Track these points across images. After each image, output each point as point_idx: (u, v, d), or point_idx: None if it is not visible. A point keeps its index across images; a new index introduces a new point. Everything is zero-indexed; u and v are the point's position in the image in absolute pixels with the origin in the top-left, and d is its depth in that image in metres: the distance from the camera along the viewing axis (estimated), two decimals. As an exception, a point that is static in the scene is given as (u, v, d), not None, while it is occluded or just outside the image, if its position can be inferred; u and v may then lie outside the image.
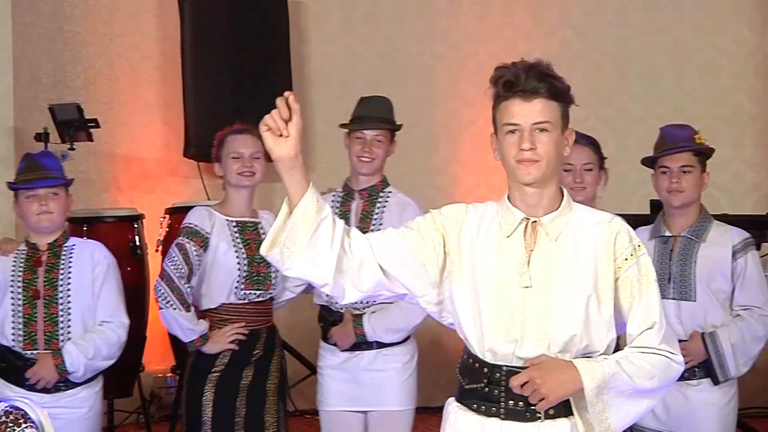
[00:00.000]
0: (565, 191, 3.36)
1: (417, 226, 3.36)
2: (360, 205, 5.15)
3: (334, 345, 5.12)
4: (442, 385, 3.27)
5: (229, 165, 5.07)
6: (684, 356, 4.57)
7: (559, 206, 3.32)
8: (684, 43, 8.79)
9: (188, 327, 4.96)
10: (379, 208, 5.14)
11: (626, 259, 3.27)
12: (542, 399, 3.17)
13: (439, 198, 8.48)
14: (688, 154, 4.72)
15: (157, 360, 8.10)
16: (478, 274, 3.29)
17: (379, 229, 5.04)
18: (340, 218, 5.00)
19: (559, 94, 3.28)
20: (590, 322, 3.24)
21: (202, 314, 5.09)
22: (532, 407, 3.22)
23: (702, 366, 4.67)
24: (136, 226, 7.09)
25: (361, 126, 5.12)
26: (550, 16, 8.88)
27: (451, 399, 3.43)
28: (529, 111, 3.23)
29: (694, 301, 4.69)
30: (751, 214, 7.84)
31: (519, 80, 3.22)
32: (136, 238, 7.06)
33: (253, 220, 5.16)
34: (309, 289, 5.30)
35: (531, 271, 3.25)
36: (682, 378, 4.63)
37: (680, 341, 4.60)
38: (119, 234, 6.99)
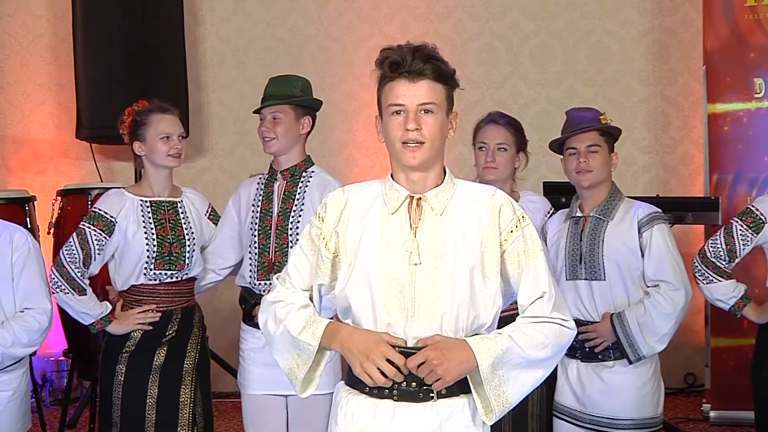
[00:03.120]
0: (447, 169, 3.39)
1: (309, 243, 3.45)
2: (282, 186, 5.09)
3: (257, 326, 5.07)
4: (334, 371, 3.32)
5: (157, 146, 4.99)
6: (595, 338, 4.66)
7: (442, 182, 3.35)
8: (575, 26, 8.88)
9: (81, 311, 4.94)
10: (301, 188, 5.09)
11: (511, 231, 3.31)
12: (438, 379, 3.19)
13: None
14: (594, 133, 4.76)
15: (49, 343, 8.00)
16: (365, 254, 3.31)
17: (302, 210, 5.05)
18: (264, 200, 4.99)
19: (445, 76, 3.29)
20: (476, 295, 3.27)
21: (118, 295, 5.07)
22: (425, 387, 3.24)
23: (615, 347, 4.70)
24: (27, 208, 6.99)
25: (258, 107, 5.10)
26: (445, -1, 8.93)
27: (341, 383, 3.44)
28: (414, 92, 3.25)
29: (604, 280, 4.72)
30: (642, 196, 7.96)
31: (405, 61, 3.24)
32: (28, 220, 6.96)
33: (171, 199, 5.12)
34: (234, 270, 5.28)
35: (418, 247, 3.27)
36: (598, 360, 4.70)
37: (592, 322, 4.66)
38: (10, 216, 6.81)
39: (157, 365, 5.03)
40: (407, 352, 3.22)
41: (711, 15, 7.73)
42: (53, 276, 4.92)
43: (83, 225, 4.97)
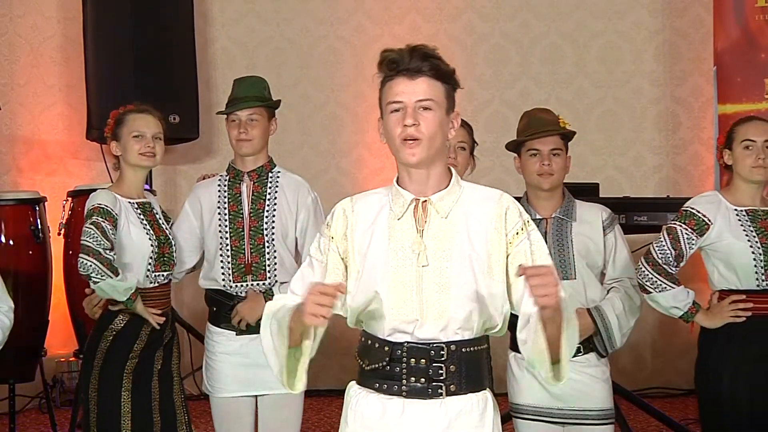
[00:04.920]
0: (453, 171, 3.41)
1: (318, 254, 3.43)
2: (251, 187, 5.10)
3: (234, 327, 5.04)
4: (350, 368, 3.31)
5: (130, 144, 4.98)
6: None
7: (447, 185, 3.35)
8: (585, 27, 8.88)
9: (125, 287, 4.79)
10: (270, 188, 5.10)
11: (517, 234, 3.31)
12: (546, 295, 3.07)
13: (344, 181, 8.52)
14: (557, 137, 4.80)
15: (59, 344, 8.02)
16: (373, 259, 3.32)
17: (274, 210, 5.07)
18: (231, 202, 4.97)
19: (444, 74, 3.31)
20: (485, 297, 3.27)
21: (109, 301, 4.99)
22: (434, 383, 3.26)
23: (585, 343, 4.73)
24: (37, 209, 7.00)
25: (232, 108, 5.10)
26: (454, 0, 8.92)
27: (353, 383, 3.44)
28: (413, 89, 3.27)
29: (575, 279, 4.76)
30: (653, 197, 7.96)
31: (403, 60, 3.27)
32: (38, 221, 6.98)
33: (148, 200, 5.10)
34: (191, 271, 5.28)
35: (425, 249, 3.28)
36: None
37: None
38: (20, 217, 6.90)
39: (156, 368, 5.03)
40: (413, 347, 3.25)
41: (721, 16, 7.73)
42: (90, 266, 4.72)
43: (98, 219, 4.81)
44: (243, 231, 5.05)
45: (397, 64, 3.28)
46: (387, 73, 3.33)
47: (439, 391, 3.27)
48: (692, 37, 8.75)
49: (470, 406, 3.30)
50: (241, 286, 5.04)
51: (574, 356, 4.74)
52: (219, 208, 5.11)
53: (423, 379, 3.26)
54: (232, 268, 5.05)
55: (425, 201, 3.32)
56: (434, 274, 3.27)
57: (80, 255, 4.79)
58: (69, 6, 8.54)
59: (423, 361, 3.25)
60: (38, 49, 8.63)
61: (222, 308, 5.10)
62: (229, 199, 5.10)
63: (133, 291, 4.85)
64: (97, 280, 4.76)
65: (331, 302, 3.12)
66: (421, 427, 3.27)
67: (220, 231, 5.09)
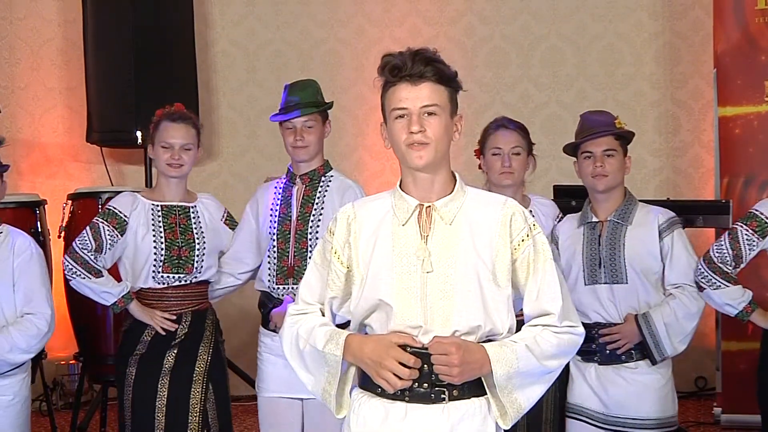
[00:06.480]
0: (457, 176, 3.40)
1: (321, 260, 3.46)
2: (301, 190, 5.13)
3: (274, 329, 5.08)
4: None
5: (159, 153, 5.07)
6: (619, 339, 4.69)
7: (452, 191, 3.35)
8: (585, 29, 8.87)
9: (102, 291, 5.01)
10: (320, 192, 5.11)
11: (522, 240, 3.31)
12: (449, 375, 3.20)
13: (344, 183, 8.49)
14: (610, 138, 4.78)
15: (59, 347, 8.02)
16: (377, 266, 3.32)
17: (321, 214, 5.08)
18: (283, 204, 4.96)
19: (446, 78, 3.31)
20: (489, 304, 3.27)
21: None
22: (437, 389, 3.25)
23: (638, 348, 4.73)
24: (38, 212, 7.00)
25: (287, 115, 5.09)
26: (455, 2, 8.90)
27: (354, 386, 3.44)
28: (416, 94, 3.27)
29: (626, 283, 4.74)
30: (653, 200, 7.95)
31: (405, 65, 3.27)
32: (38, 224, 6.97)
33: (183, 204, 5.16)
34: (254, 274, 5.29)
35: (429, 255, 3.27)
36: (620, 361, 4.71)
37: (615, 324, 4.66)
38: (21, 220, 6.87)
39: (167, 368, 5.05)
40: (418, 353, 3.23)
41: (721, 18, 7.72)
42: (67, 264, 4.99)
43: (97, 220, 5.04)
44: (289, 234, 5.08)
45: (400, 69, 3.27)
46: (389, 79, 3.31)
47: (442, 396, 3.26)
48: (692, 40, 8.74)
49: (473, 410, 3.29)
50: (284, 288, 5.06)
51: (626, 362, 4.73)
52: (272, 210, 5.15)
53: (426, 384, 3.25)
54: (276, 271, 5.08)
55: (429, 207, 3.32)
56: (439, 280, 3.26)
57: (65, 252, 5.07)
58: (69, 9, 8.54)
59: (426, 366, 3.24)
60: (38, 52, 8.64)
61: (266, 310, 5.15)
62: (281, 201, 5.15)
63: (118, 298, 5.00)
64: (70, 278, 5.03)
65: (412, 376, 3.22)
66: (423, 431, 3.26)
67: (270, 233, 5.13)
